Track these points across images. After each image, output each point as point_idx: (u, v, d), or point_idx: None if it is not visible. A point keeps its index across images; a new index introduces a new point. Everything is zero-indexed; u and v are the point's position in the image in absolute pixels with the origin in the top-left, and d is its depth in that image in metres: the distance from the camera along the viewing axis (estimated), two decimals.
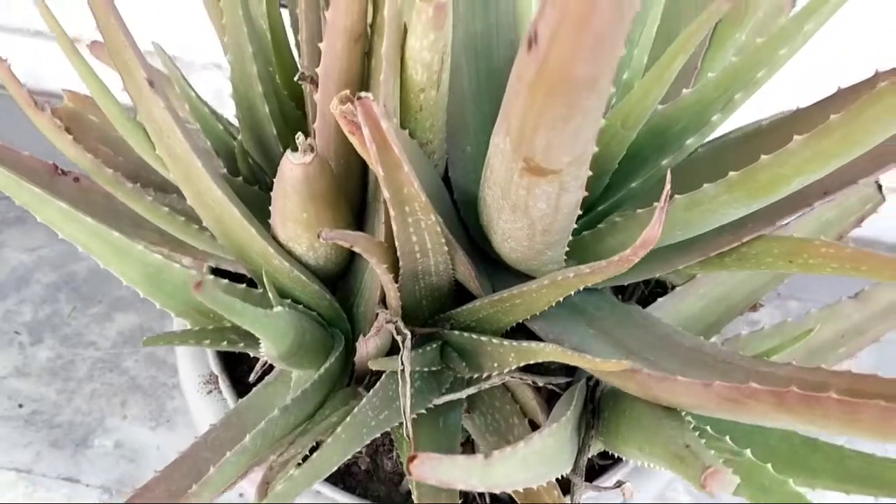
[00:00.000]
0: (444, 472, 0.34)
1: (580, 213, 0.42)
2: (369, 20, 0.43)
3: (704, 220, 0.44)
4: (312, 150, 0.41)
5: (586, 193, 0.38)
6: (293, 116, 0.58)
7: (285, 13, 0.59)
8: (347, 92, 0.37)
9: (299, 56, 0.55)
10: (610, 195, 0.51)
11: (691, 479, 0.36)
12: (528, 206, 0.38)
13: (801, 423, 0.35)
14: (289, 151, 0.42)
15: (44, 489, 0.87)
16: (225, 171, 0.55)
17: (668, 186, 0.33)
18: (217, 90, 1.06)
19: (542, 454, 0.42)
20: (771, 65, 0.43)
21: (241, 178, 0.56)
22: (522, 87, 0.28)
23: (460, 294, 0.54)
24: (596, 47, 0.24)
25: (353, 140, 0.39)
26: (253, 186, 0.57)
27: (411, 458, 0.34)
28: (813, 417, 0.34)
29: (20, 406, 0.92)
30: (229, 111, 0.60)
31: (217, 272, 0.63)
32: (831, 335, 0.57)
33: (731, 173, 0.40)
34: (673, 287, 0.63)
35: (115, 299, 1.00)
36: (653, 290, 0.66)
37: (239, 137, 0.58)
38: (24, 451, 0.89)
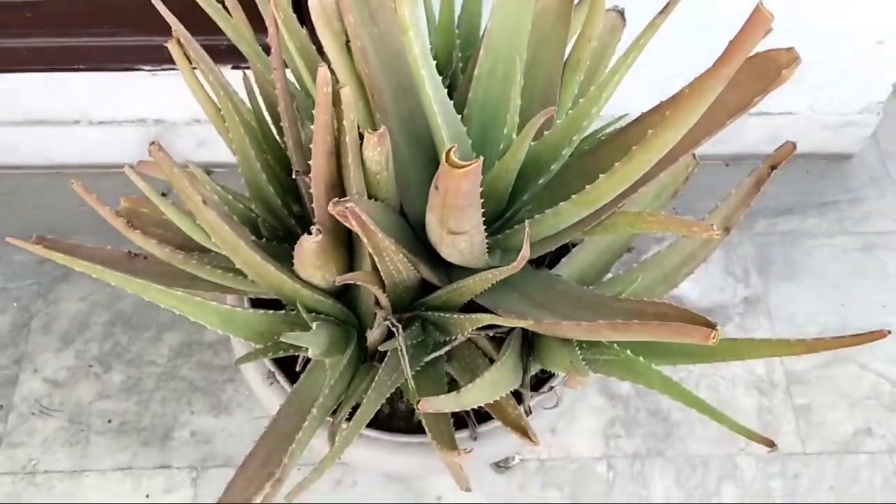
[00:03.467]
0: (437, 406, 0.62)
1: (497, 218, 0.68)
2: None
3: (566, 220, 0.70)
4: (320, 231, 0.67)
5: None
6: (288, 186, 0.83)
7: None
8: (337, 199, 0.63)
9: (286, 150, 0.79)
10: (511, 206, 0.77)
11: (568, 380, 0.64)
12: (455, 245, 0.64)
13: (626, 338, 0.63)
14: (306, 235, 0.67)
15: (146, 478, 1.14)
16: (253, 238, 0.81)
17: (527, 230, 0.59)
18: (200, 140, 1.29)
19: (494, 380, 0.70)
20: (590, 118, 0.69)
21: (263, 240, 0.81)
22: (436, 203, 0.54)
23: (428, 286, 0.81)
24: (465, 193, 0.50)
25: (346, 223, 0.64)
26: (272, 242, 0.82)
27: (418, 402, 0.61)
28: (630, 335, 0.61)
29: (109, 421, 1.18)
30: (209, 156, 0.85)
31: (254, 301, 0.89)
32: (678, 261, 0.85)
33: (573, 195, 0.66)
34: (573, 245, 0.90)
35: (160, 324, 1.25)
36: (559, 251, 0.93)
37: (253, 207, 0.83)
38: (123, 454, 1.16)
